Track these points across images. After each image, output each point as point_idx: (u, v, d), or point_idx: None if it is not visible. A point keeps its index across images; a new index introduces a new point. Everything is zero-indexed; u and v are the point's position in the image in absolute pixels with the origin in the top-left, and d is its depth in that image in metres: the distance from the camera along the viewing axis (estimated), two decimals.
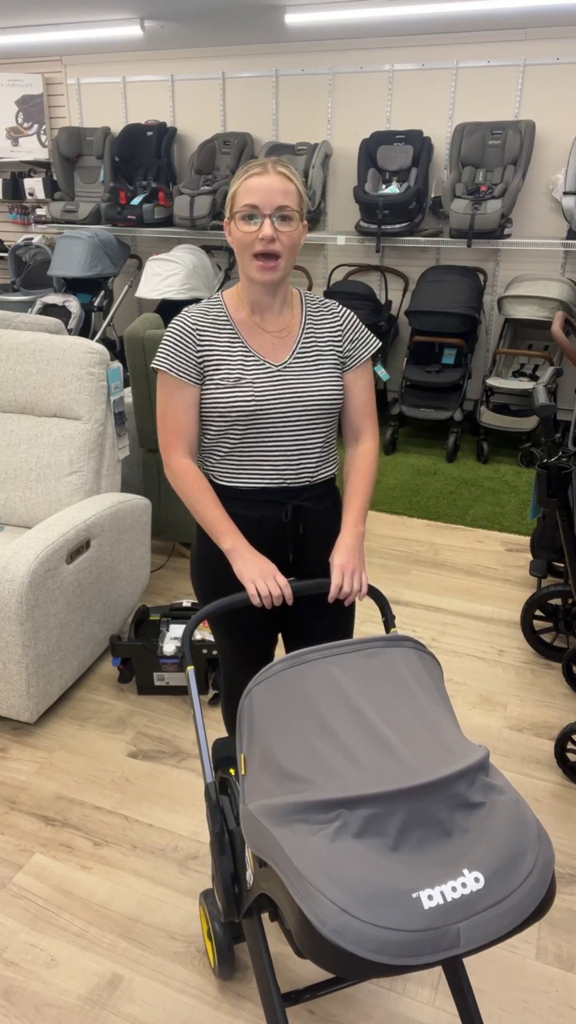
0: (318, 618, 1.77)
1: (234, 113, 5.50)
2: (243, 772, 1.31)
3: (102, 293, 5.42)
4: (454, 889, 1.02)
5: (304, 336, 1.65)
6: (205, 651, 2.49)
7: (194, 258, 4.94)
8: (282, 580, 1.54)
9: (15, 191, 6.08)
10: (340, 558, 1.59)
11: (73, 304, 5.27)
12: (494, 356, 4.89)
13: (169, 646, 2.54)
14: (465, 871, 1.03)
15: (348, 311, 1.72)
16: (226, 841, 1.44)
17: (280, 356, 1.63)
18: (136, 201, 5.31)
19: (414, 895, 1.00)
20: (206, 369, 1.61)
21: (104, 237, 5.26)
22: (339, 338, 1.68)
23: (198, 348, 1.60)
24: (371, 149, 4.97)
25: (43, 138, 6.01)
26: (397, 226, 4.81)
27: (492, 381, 4.67)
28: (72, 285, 5.50)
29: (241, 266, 1.57)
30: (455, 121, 4.97)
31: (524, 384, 4.60)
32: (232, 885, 1.42)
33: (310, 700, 1.26)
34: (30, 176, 6.06)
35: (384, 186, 4.92)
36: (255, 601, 1.53)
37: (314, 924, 1.00)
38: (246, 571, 1.54)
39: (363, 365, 1.70)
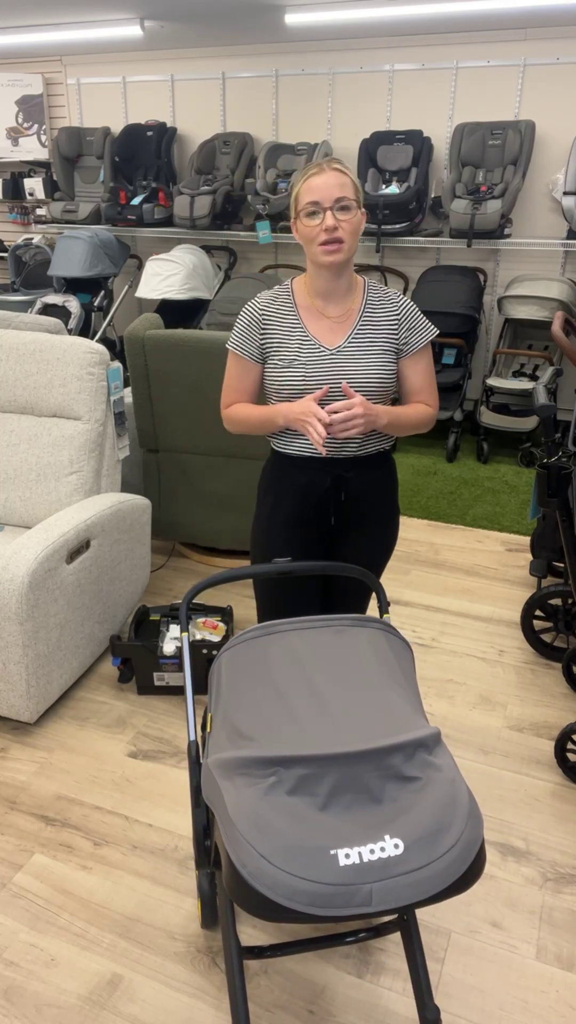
0: (353, 597, 2.01)
1: (234, 113, 5.49)
2: (209, 730, 1.42)
3: (102, 293, 5.41)
4: (372, 851, 1.09)
5: (361, 322, 1.76)
6: (205, 651, 2.49)
7: (194, 258, 4.94)
8: (315, 410, 1.64)
9: (15, 191, 6.08)
10: (358, 398, 1.65)
11: (73, 304, 5.26)
12: (494, 356, 4.88)
13: (169, 646, 2.54)
14: (386, 836, 1.11)
15: (407, 300, 1.81)
16: (202, 796, 1.53)
17: (335, 341, 1.74)
18: (136, 201, 5.31)
19: (331, 851, 1.08)
20: (267, 350, 1.78)
21: (104, 237, 5.26)
22: (395, 326, 1.77)
23: (262, 330, 1.78)
24: (371, 149, 4.97)
25: (43, 138, 6.01)
26: (397, 226, 4.81)
27: (492, 381, 4.67)
28: (72, 285, 5.50)
29: (309, 256, 1.71)
30: (455, 121, 4.97)
31: (524, 384, 4.60)
32: (203, 836, 1.53)
33: (269, 668, 1.38)
34: (30, 176, 6.05)
35: (384, 186, 4.92)
36: (319, 446, 1.63)
37: (236, 866, 1.08)
38: (296, 424, 1.69)
39: (420, 351, 1.79)
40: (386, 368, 1.75)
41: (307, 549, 1.90)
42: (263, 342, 1.78)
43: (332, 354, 1.73)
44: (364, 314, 1.76)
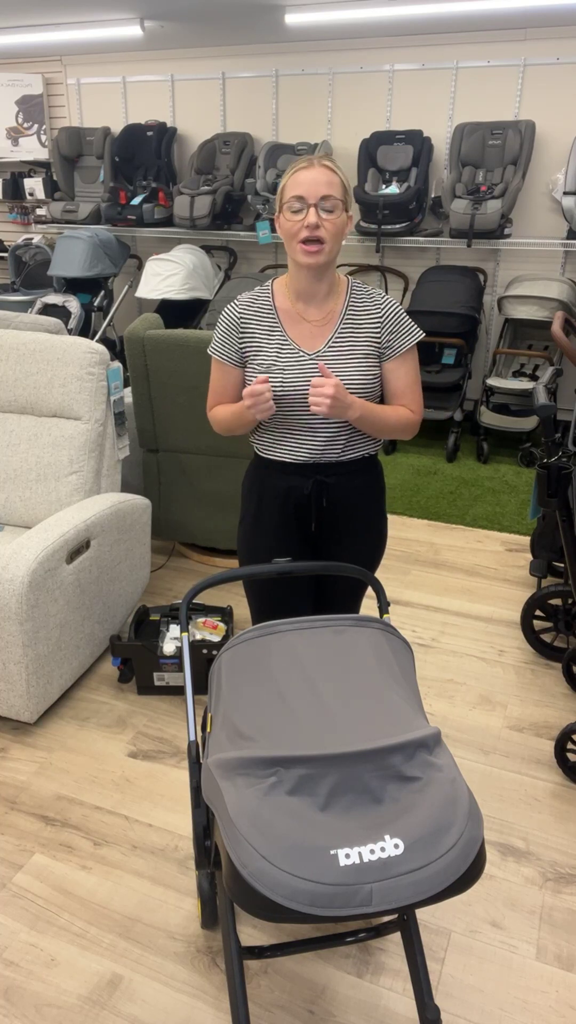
0: (342, 597, 1.99)
1: (234, 113, 5.49)
2: (209, 730, 1.42)
3: (102, 293, 5.42)
4: (372, 851, 1.09)
5: (342, 326, 1.71)
6: (205, 651, 2.49)
7: (194, 258, 4.94)
8: (248, 390, 1.64)
9: (15, 191, 6.08)
10: (333, 380, 1.61)
11: (73, 304, 5.27)
12: (494, 356, 4.89)
13: (169, 646, 2.54)
14: (387, 836, 1.11)
15: (392, 302, 1.76)
16: (202, 796, 1.53)
17: (315, 345, 1.71)
18: (136, 201, 5.31)
19: (332, 852, 1.08)
20: (247, 354, 1.75)
21: (104, 237, 5.26)
22: (378, 329, 1.73)
23: (240, 335, 1.74)
24: (371, 149, 4.97)
25: (43, 138, 6.01)
26: (397, 226, 4.81)
27: (492, 381, 4.67)
28: (72, 285, 5.50)
29: (289, 253, 1.66)
30: (455, 121, 4.97)
31: (524, 384, 4.60)
32: (203, 836, 1.53)
33: (269, 668, 1.38)
34: (30, 176, 6.05)
35: (384, 186, 4.92)
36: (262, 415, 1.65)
37: (236, 866, 1.08)
38: (252, 412, 1.67)
39: (404, 354, 1.74)
40: (368, 372, 1.71)
41: (291, 553, 1.87)
42: (242, 346, 1.74)
43: (311, 359, 1.69)
44: (346, 317, 1.71)
